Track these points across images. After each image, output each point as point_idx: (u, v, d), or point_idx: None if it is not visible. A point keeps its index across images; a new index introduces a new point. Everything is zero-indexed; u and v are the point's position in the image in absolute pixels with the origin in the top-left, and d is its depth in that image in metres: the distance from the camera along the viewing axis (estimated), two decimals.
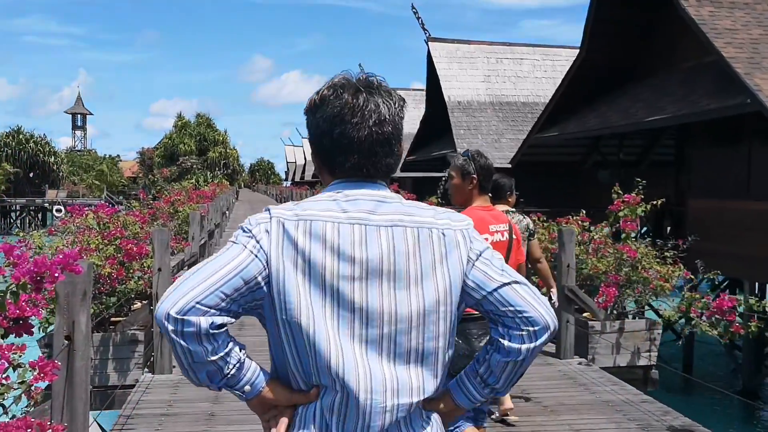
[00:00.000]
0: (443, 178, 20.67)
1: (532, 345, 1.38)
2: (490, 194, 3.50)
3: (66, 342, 2.94)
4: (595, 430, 4.74)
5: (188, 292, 1.28)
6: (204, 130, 51.37)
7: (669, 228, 15.47)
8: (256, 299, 1.34)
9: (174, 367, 5.90)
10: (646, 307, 7.11)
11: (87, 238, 6.08)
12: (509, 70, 26.09)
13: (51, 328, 4.78)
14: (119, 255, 5.65)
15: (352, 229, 1.35)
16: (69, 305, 2.93)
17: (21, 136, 55.11)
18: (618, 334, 6.37)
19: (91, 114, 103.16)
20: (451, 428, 2.98)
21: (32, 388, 2.39)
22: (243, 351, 1.38)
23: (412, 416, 1.38)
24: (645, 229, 14.92)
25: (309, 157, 77.12)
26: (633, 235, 7.12)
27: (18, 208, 51.84)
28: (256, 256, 1.32)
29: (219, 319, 1.29)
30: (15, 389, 2.34)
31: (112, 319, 6.07)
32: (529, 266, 4.74)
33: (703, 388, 10.48)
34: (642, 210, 6.80)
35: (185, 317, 1.27)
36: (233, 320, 1.33)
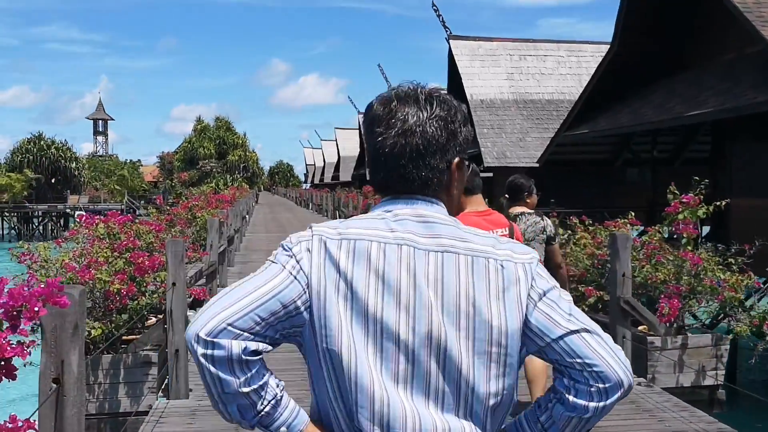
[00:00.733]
0: None
1: (600, 404, 1.23)
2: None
3: (54, 386, 2.41)
4: None
5: (219, 313, 1.19)
6: (223, 133, 51.17)
7: (709, 229, 14.72)
8: (295, 326, 1.24)
9: (191, 391, 5.39)
10: (705, 320, 6.45)
11: (96, 249, 5.58)
12: (533, 68, 25.64)
13: None
14: (130, 269, 5.13)
15: (399, 250, 1.24)
16: (57, 342, 2.40)
17: (42, 142, 55.38)
18: (681, 351, 5.74)
19: (112, 119, 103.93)
20: None
21: None
22: (281, 386, 1.26)
23: None
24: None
25: (328, 159, 76.88)
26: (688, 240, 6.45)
27: (40, 214, 52.02)
28: (296, 277, 1.23)
29: (253, 345, 1.19)
30: None
31: (125, 338, 5.58)
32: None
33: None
34: (703, 212, 6.16)
35: (216, 339, 1.17)
36: (269, 347, 1.23)
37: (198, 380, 5.82)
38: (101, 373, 5.20)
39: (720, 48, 13.59)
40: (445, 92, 1.37)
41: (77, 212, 45.95)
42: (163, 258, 5.53)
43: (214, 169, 47.18)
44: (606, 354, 1.23)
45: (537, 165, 18.01)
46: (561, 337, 1.23)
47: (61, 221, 51.72)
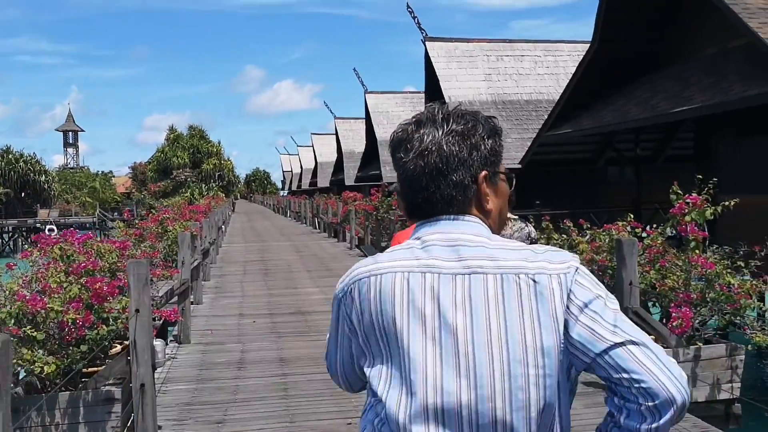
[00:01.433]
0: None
1: (654, 426, 1.15)
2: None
3: None
4: None
5: None
6: (197, 142, 50.35)
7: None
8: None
9: (160, 428, 4.85)
10: (716, 328, 6.05)
11: (51, 273, 5.01)
12: (510, 68, 25.51)
13: None
14: (86, 295, 4.58)
15: (423, 278, 1.23)
16: None
17: (10, 156, 54.12)
18: (693, 363, 5.31)
19: (82, 131, 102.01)
20: None
21: None
22: None
23: None
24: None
25: (305, 165, 76.18)
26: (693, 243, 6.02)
27: (10, 229, 50.70)
28: (343, 323, 1.33)
29: None
30: None
31: (86, 370, 5.01)
32: None
33: None
34: (711, 213, 5.76)
35: None
36: None
37: (168, 416, 5.30)
38: (58, 413, 4.63)
39: (704, 42, 13.33)
40: (466, 109, 1.34)
41: (47, 227, 44.89)
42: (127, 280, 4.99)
43: (189, 179, 46.35)
44: (654, 367, 1.15)
45: (519, 166, 17.66)
46: (605, 351, 1.17)
47: (32, 236, 50.45)
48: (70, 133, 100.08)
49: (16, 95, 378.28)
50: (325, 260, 16.16)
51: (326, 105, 47.00)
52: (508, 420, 1.17)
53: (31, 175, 54.37)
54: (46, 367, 4.38)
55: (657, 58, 14.91)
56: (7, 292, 4.70)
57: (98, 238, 7.05)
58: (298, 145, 78.65)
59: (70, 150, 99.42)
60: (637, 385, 1.14)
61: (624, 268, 5.31)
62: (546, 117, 17.82)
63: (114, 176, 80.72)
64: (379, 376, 1.23)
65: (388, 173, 28.88)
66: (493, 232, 1.29)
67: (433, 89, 24.76)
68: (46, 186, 55.58)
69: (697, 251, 5.57)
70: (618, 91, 15.35)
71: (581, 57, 16.55)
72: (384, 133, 31.88)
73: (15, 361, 4.16)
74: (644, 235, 6.33)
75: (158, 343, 4.82)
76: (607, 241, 6.49)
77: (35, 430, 4.57)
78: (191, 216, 15.10)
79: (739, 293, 5.15)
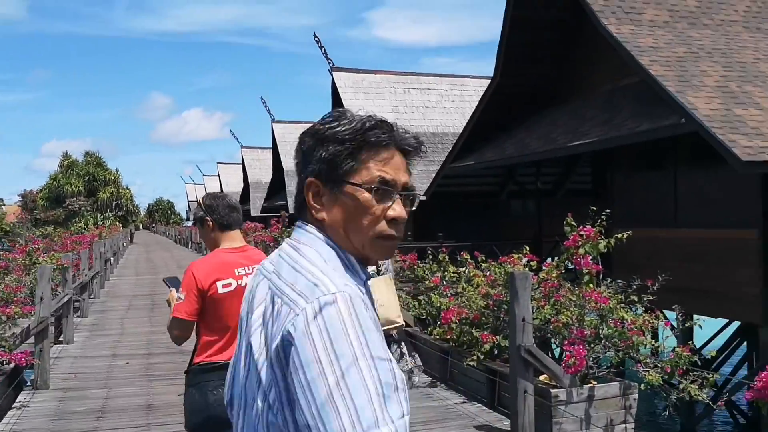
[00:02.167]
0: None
1: None
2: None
3: None
4: None
5: None
6: (93, 169, 47.82)
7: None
8: None
9: None
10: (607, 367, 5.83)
11: None
12: (417, 101, 25.71)
13: None
14: None
15: (255, 277, 1.28)
16: None
17: None
18: (587, 403, 5.04)
19: None
20: None
21: None
22: None
23: None
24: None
25: None
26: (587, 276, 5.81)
27: None
28: None
29: None
30: None
31: None
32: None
33: None
34: (605, 245, 5.58)
35: None
36: None
37: None
38: None
39: (599, 79, 13.67)
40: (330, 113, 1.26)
41: None
42: None
43: (83, 208, 43.79)
44: None
45: (424, 198, 17.52)
46: None
47: None
48: None
49: None
50: None
51: (233, 134, 46.00)
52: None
53: None
54: None
55: (556, 94, 15.22)
56: None
57: None
58: (204, 175, 76.65)
59: None
60: None
61: (517, 303, 5.01)
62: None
63: (5, 204, 75.78)
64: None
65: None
66: (354, 246, 1.16)
67: None
68: None
69: (591, 285, 5.36)
70: (520, 124, 15.54)
71: None
72: (291, 162, 31.34)
73: None
74: (544, 268, 6.09)
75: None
76: (501, 274, 6.22)
77: None
78: (74, 246, 13.96)
79: (632, 329, 4.94)
